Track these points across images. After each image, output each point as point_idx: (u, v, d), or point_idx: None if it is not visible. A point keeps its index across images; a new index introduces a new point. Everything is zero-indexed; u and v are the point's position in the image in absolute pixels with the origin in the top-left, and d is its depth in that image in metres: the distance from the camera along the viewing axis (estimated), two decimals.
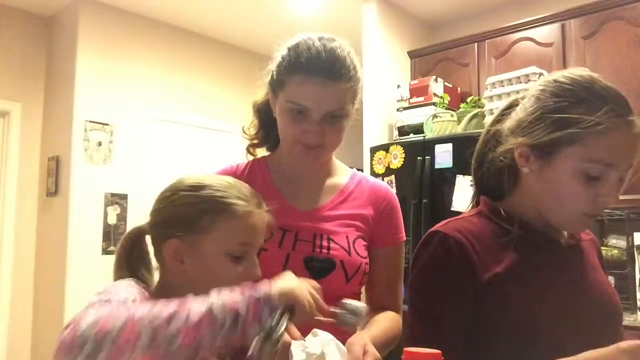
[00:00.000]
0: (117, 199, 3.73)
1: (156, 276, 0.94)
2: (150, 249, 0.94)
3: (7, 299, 3.69)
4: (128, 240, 0.94)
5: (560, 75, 0.90)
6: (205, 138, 4.32)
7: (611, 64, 2.82)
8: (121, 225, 3.72)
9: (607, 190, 0.85)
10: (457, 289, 0.87)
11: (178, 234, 0.86)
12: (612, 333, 0.91)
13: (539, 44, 3.12)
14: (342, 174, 1.22)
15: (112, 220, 3.70)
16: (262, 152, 1.27)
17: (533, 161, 0.90)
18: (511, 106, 0.98)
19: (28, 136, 3.88)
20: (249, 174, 1.18)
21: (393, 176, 3.00)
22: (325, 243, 1.09)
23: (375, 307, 1.19)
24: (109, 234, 3.67)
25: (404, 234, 1.22)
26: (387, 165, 3.05)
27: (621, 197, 0.91)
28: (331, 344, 0.86)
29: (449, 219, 0.96)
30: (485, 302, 0.86)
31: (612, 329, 0.92)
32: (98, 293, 0.79)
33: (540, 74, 2.82)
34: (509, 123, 0.94)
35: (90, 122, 3.67)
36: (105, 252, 3.65)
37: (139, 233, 0.94)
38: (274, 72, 1.09)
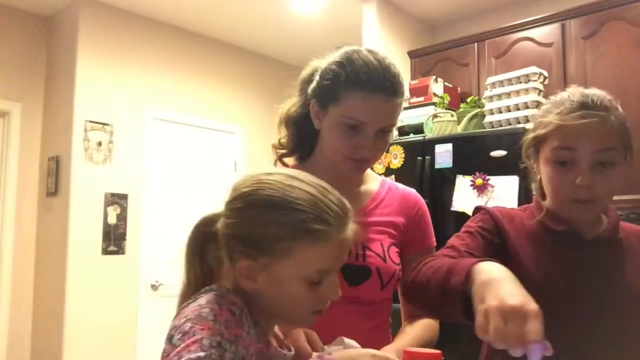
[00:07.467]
0: (117, 199, 3.73)
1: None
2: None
3: (7, 299, 3.69)
4: (199, 234, 0.86)
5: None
6: (206, 138, 4.32)
7: (611, 64, 2.82)
8: (121, 225, 3.72)
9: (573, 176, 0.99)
10: (487, 231, 1.06)
11: (252, 254, 0.79)
12: (623, 324, 0.99)
13: (539, 44, 3.11)
14: (372, 181, 1.22)
15: (112, 220, 3.70)
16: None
17: (532, 155, 1.09)
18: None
19: (28, 136, 3.87)
20: None
21: (393, 176, 2.99)
22: (360, 250, 1.09)
23: (410, 315, 1.19)
24: (109, 234, 3.67)
25: (434, 239, 1.23)
26: (387, 165, 3.04)
27: (621, 197, 0.97)
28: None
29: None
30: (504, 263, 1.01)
31: (622, 321, 0.99)
32: (180, 331, 0.70)
33: (540, 74, 2.82)
34: None
35: (90, 122, 3.67)
36: (105, 252, 3.65)
37: (208, 233, 0.85)
38: (325, 86, 1.07)
